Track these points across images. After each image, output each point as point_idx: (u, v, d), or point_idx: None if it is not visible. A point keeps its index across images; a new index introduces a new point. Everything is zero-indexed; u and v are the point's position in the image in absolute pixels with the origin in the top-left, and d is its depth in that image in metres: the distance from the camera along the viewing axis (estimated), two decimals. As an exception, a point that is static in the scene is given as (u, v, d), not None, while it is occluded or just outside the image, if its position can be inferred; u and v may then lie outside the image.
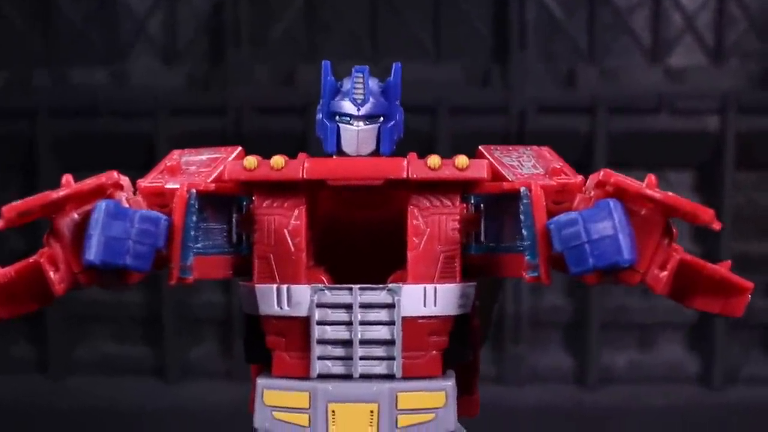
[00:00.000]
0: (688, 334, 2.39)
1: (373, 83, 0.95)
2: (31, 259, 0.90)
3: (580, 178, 0.95)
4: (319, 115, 0.95)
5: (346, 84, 0.95)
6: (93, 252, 0.86)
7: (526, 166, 0.97)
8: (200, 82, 2.35)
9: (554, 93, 2.33)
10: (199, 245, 0.92)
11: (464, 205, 0.94)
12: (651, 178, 0.89)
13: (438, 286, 0.93)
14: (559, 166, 0.96)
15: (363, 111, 0.94)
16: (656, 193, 0.88)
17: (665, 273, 0.89)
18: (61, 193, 0.89)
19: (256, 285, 0.93)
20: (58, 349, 2.38)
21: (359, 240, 1.01)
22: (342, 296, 0.92)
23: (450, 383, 0.94)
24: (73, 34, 2.35)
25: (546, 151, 1.00)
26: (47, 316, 2.35)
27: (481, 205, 0.95)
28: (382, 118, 0.94)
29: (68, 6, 2.34)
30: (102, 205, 0.88)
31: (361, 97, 0.93)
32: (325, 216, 0.98)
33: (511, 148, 0.99)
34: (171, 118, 2.31)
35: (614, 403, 2.35)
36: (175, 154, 1.00)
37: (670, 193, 0.88)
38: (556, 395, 2.36)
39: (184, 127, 2.29)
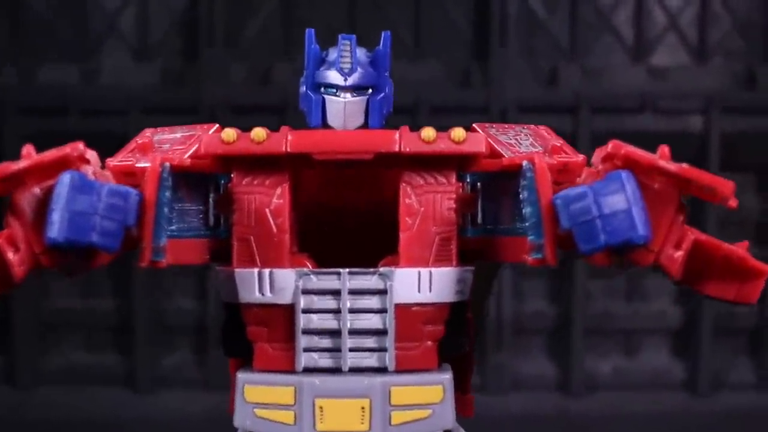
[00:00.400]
0: (674, 340, 2.39)
1: (361, 53, 0.91)
2: (-12, 240, 0.84)
3: (581, 157, 0.90)
4: (303, 87, 0.91)
5: (332, 53, 0.90)
6: (56, 229, 0.80)
7: (524, 145, 0.92)
8: (173, 80, 2.32)
9: (536, 92, 2.33)
10: (173, 227, 0.87)
11: (460, 183, 0.89)
12: (664, 149, 0.84)
13: (433, 269, 0.88)
14: (559, 145, 0.91)
15: (350, 81, 0.89)
16: (671, 166, 0.83)
17: (680, 253, 0.85)
18: (21, 165, 0.83)
19: (236, 270, 0.89)
20: (26, 359, 2.34)
21: (347, 227, 0.96)
22: (329, 281, 0.87)
23: (447, 376, 0.89)
24: (41, 30, 2.32)
25: (544, 130, 0.97)
26: (14, 324, 2.31)
27: (478, 185, 0.90)
28: (370, 90, 0.90)
29: (37, 0, 2.30)
30: (66, 177, 0.82)
31: (349, 66, 0.89)
32: (310, 199, 0.93)
33: (507, 126, 0.95)
34: (143, 116, 2.27)
35: (599, 411, 2.34)
36: (148, 132, 0.95)
37: (685, 165, 0.83)
38: (539, 403, 2.35)
39: (156, 126, 2.23)
